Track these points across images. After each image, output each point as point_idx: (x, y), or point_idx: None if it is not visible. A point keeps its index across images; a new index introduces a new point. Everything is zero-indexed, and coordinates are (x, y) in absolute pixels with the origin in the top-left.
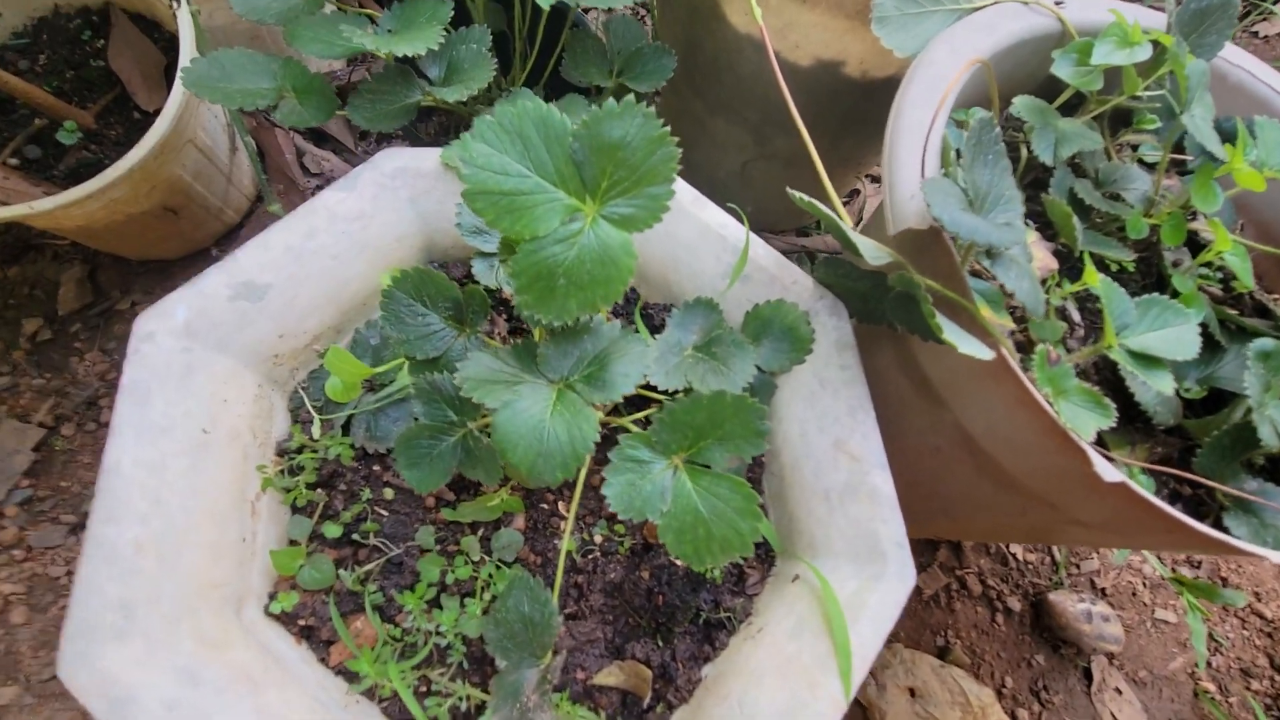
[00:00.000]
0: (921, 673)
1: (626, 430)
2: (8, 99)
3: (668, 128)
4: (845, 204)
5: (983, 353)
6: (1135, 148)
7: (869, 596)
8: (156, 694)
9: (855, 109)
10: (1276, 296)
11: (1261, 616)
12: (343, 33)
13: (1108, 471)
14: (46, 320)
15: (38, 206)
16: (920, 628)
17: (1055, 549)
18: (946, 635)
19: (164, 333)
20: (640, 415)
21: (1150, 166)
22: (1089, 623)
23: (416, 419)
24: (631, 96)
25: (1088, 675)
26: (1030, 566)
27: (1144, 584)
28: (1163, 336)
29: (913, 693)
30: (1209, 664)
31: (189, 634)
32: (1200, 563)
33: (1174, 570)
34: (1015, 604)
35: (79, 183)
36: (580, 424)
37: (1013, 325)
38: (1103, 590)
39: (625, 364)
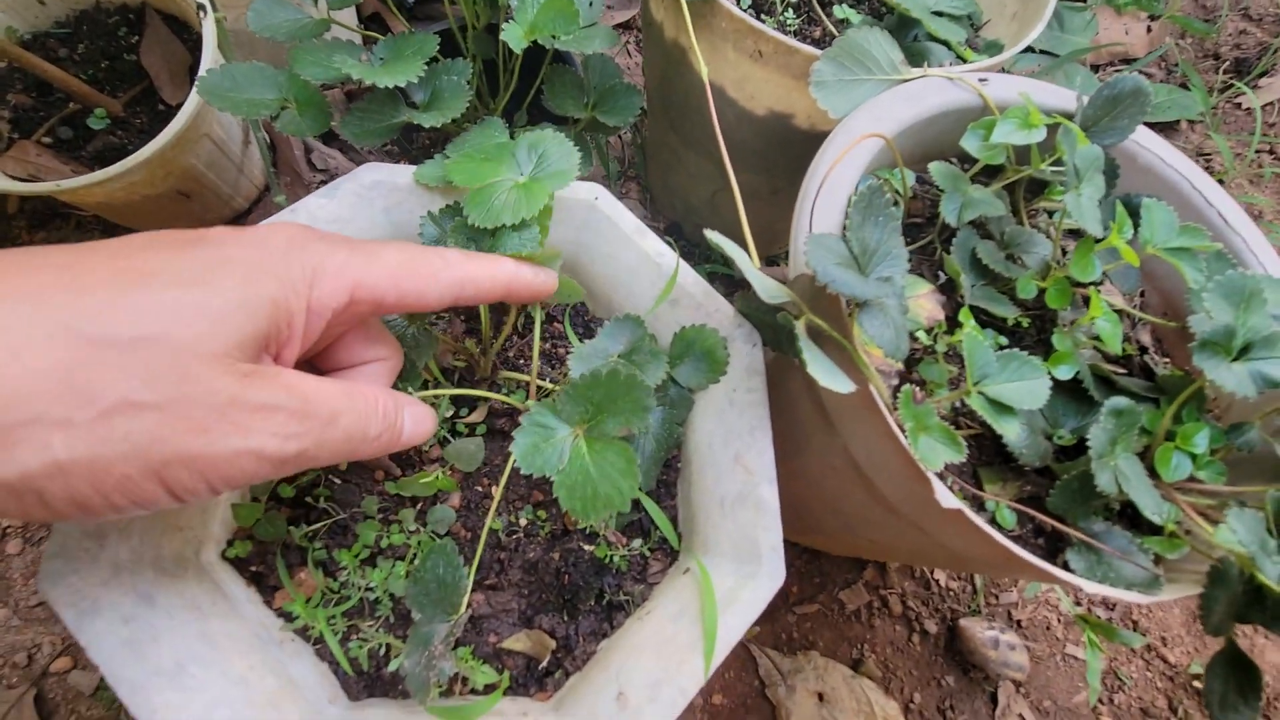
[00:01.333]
0: (832, 680)
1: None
2: (46, 84)
3: (578, 151)
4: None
5: (842, 386)
6: (1051, 213)
7: (742, 592)
8: (118, 610)
9: (807, 155)
10: (1167, 359)
11: (1165, 660)
12: (335, 61)
13: (946, 498)
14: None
15: (64, 185)
16: (838, 639)
17: (975, 578)
18: (862, 649)
19: None
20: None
21: (1066, 232)
22: (995, 649)
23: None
24: (553, 128)
25: (994, 700)
26: (951, 593)
27: (1059, 620)
28: (1016, 388)
29: (821, 698)
30: (1111, 700)
31: (151, 564)
32: (1115, 604)
33: (1088, 609)
34: (932, 626)
35: (104, 163)
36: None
37: (901, 366)
38: (1018, 622)
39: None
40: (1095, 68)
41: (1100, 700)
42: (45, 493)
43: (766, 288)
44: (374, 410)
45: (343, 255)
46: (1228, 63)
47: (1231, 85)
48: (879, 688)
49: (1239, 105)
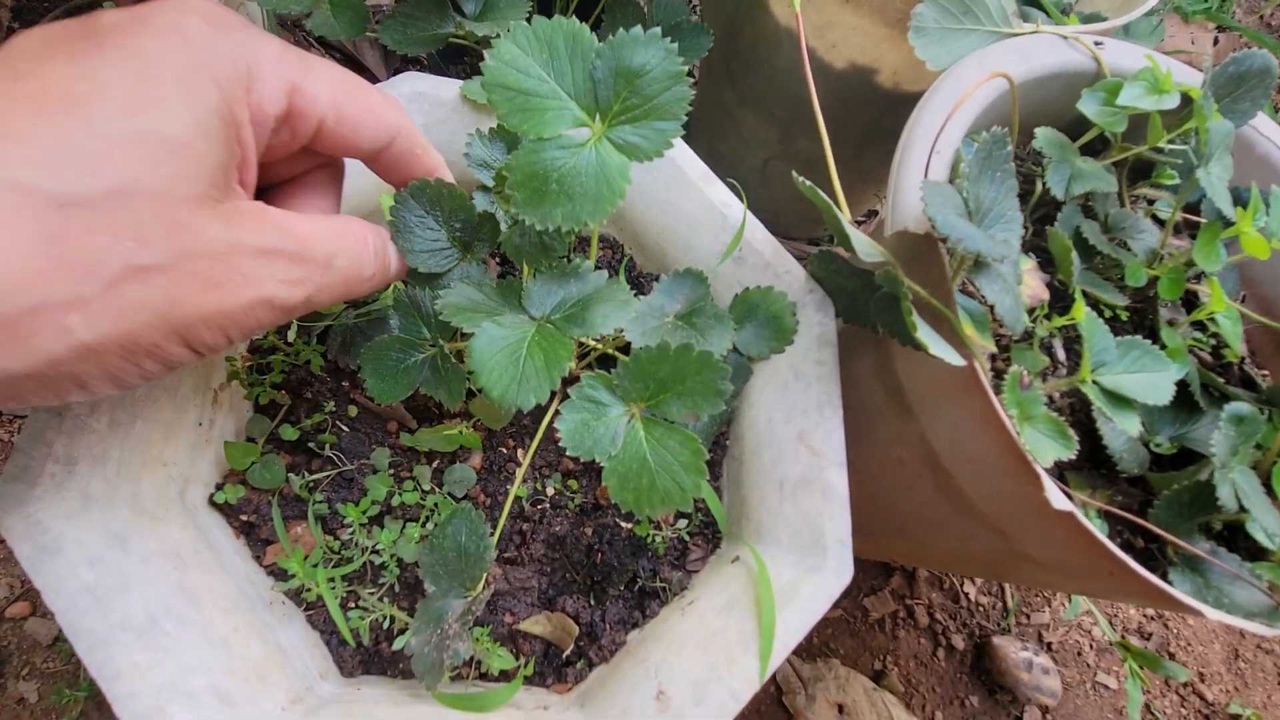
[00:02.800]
0: (853, 691)
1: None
2: None
3: (685, 65)
4: (861, 223)
5: (954, 358)
6: (1151, 202)
7: (803, 586)
8: (83, 550)
9: (882, 120)
10: (1265, 371)
11: (1202, 698)
12: None
13: (1057, 499)
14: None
15: None
16: (860, 648)
17: (1008, 594)
18: (885, 660)
19: None
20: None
21: (1161, 222)
22: (1028, 671)
23: (394, 327)
24: (657, 30)
25: None
26: (980, 608)
27: (1091, 645)
28: (1138, 379)
29: (841, 709)
30: None
31: (127, 501)
32: (1150, 635)
33: (1123, 636)
34: (959, 642)
35: None
36: (557, 350)
37: (994, 348)
38: (1049, 644)
39: (608, 308)
40: None
41: None
42: (81, 375)
43: (862, 244)
44: (365, 248)
45: (275, 49)
46: None
47: None
48: (900, 702)
49: None
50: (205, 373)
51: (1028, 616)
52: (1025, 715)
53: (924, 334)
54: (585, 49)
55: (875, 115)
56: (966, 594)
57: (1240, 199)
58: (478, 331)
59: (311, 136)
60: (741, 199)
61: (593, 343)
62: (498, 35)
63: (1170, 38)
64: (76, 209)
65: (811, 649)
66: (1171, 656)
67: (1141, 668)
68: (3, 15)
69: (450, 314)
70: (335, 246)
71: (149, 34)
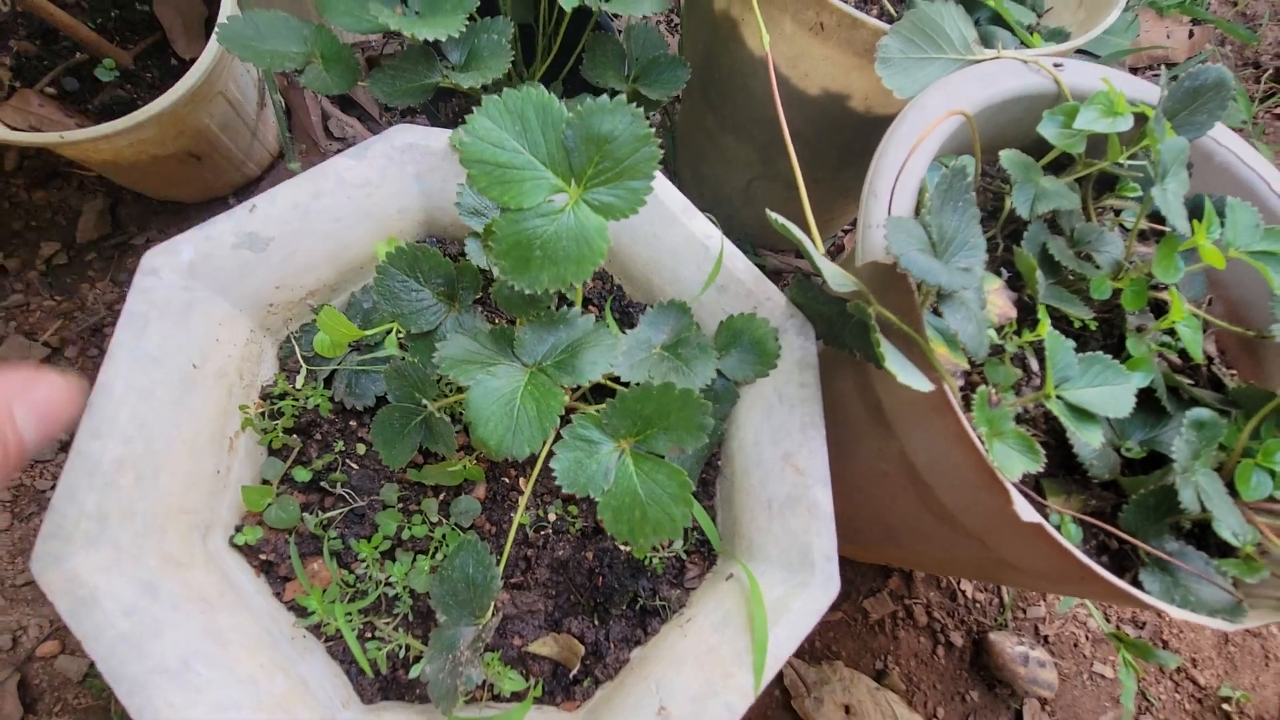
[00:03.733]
0: (858, 692)
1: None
2: (52, 30)
3: (652, 129)
4: (845, 233)
5: (921, 385)
6: (1117, 211)
7: (793, 602)
8: (117, 600)
9: (857, 141)
10: (1234, 371)
11: (1195, 682)
12: (370, 10)
13: (1025, 511)
14: (64, 245)
15: (69, 137)
16: (862, 650)
17: (1004, 591)
18: (886, 660)
19: (168, 269)
20: (602, 405)
21: (1128, 231)
22: (1025, 666)
23: (389, 400)
24: (622, 96)
25: (1018, 717)
26: (978, 605)
27: (1086, 637)
28: (1099, 393)
29: (847, 710)
30: None
31: (155, 551)
32: (1144, 624)
33: (1117, 627)
34: (958, 639)
35: (112, 118)
36: (549, 401)
37: (967, 365)
38: (1045, 637)
39: (595, 353)
40: (1134, 70)
41: None
42: None
43: (834, 276)
44: None
45: None
46: (1269, 71)
47: (1273, 94)
48: (903, 701)
49: (1279, 116)
50: (221, 423)
51: (1024, 611)
52: (1025, 707)
53: (893, 363)
54: (555, 119)
55: (850, 137)
56: (964, 592)
57: (1199, 209)
58: (473, 384)
59: None
60: (718, 227)
61: None
62: (482, 87)
63: (1145, 33)
64: None
65: (815, 652)
66: (1165, 644)
67: (1135, 657)
68: (3, 75)
69: (448, 367)
70: None
71: None
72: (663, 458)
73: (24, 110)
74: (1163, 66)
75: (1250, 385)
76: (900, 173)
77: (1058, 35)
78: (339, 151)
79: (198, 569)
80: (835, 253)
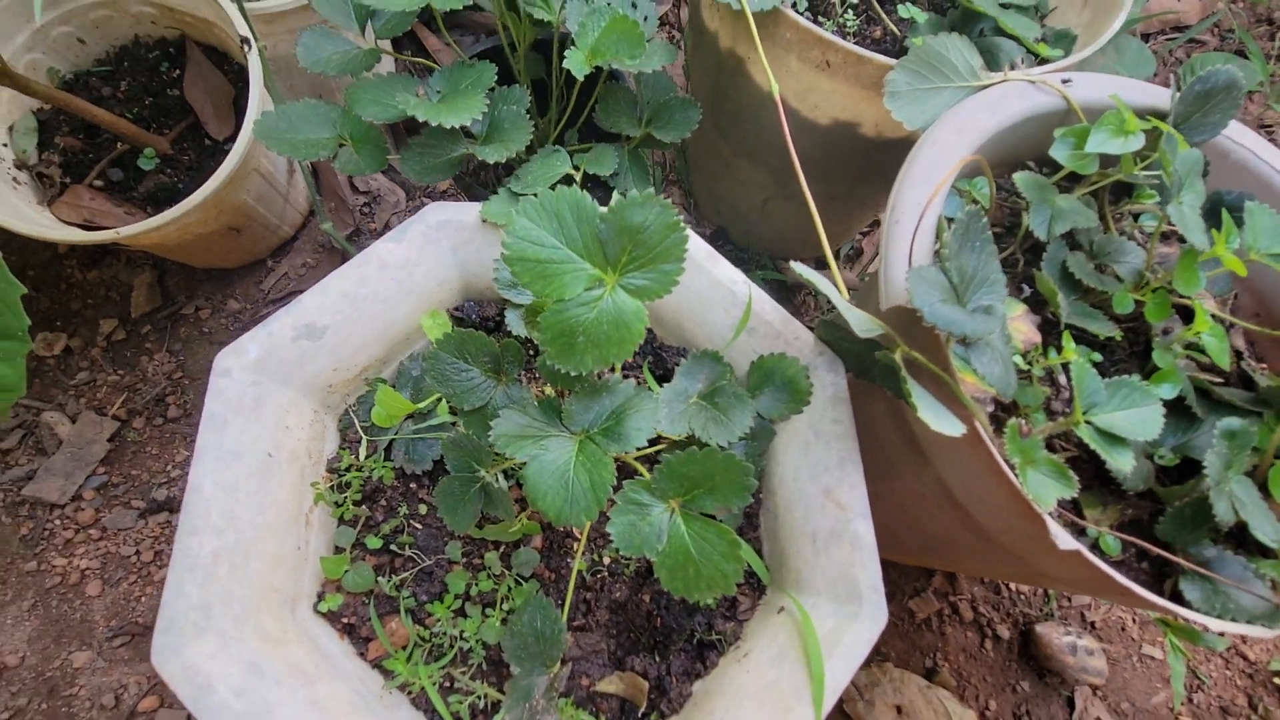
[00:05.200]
0: (909, 692)
1: (635, 468)
2: (94, 125)
3: (680, 217)
4: (865, 235)
5: (954, 429)
6: (1136, 216)
7: (844, 635)
8: (229, 683)
9: (871, 162)
10: (1264, 365)
11: (1245, 658)
12: (396, 100)
13: (1063, 540)
14: (121, 321)
15: (124, 233)
16: (911, 649)
17: None
18: (935, 658)
19: (238, 369)
20: (646, 451)
21: (1150, 237)
22: (1073, 655)
23: (447, 469)
24: (651, 190)
25: (1070, 704)
26: (1022, 597)
27: (1134, 620)
28: (1128, 416)
29: (899, 710)
30: (1190, 700)
31: (254, 631)
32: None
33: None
34: (1004, 632)
35: (156, 203)
36: (600, 472)
37: (995, 391)
38: (1092, 624)
39: (639, 419)
40: (1145, 37)
41: (1180, 701)
42: None
43: (860, 322)
44: None
45: None
46: None
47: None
48: (954, 696)
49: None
50: (298, 502)
51: (1069, 600)
52: (1076, 694)
53: (924, 410)
54: (589, 214)
55: (863, 160)
56: (1007, 585)
57: (1224, 205)
58: (529, 460)
59: None
60: (738, 244)
61: None
62: (505, 161)
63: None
64: None
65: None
66: None
67: (1181, 640)
68: (54, 173)
69: (504, 444)
70: None
71: None
72: (714, 516)
73: (76, 205)
74: (1175, 70)
75: (1276, 382)
76: (920, 221)
77: (1063, 39)
78: (366, 206)
79: (292, 643)
80: (854, 256)
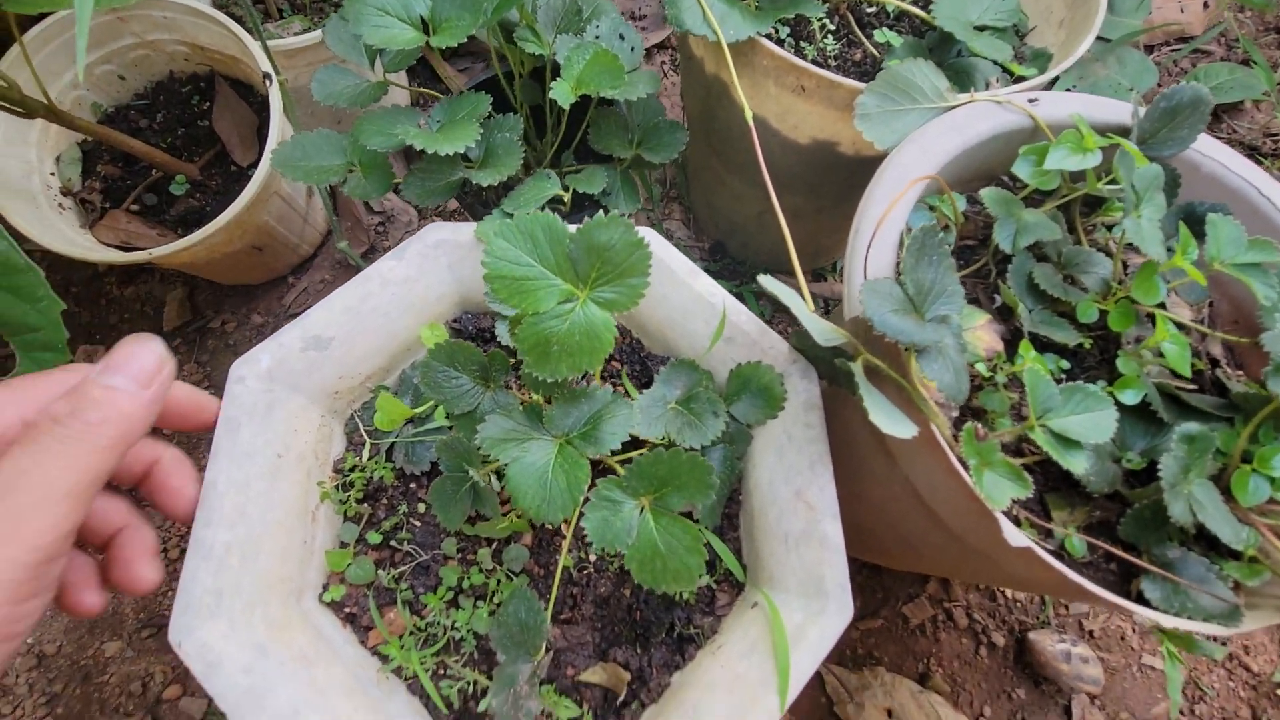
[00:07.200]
0: (900, 696)
1: (614, 470)
2: (131, 155)
3: (643, 236)
4: None
5: (905, 431)
6: (1109, 227)
7: (810, 629)
8: (236, 662)
9: (854, 178)
10: (1240, 372)
11: (1248, 669)
12: (396, 130)
13: (1015, 537)
14: (154, 334)
15: (156, 253)
16: (904, 654)
17: None
18: (928, 663)
19: (252, 376)
20: (628, 455)
21: (1125, 246)
22: (1067, 663)
23: (442, 469)
24: (616, 212)
25: (1068, 712)
26: (1018, 604)
27: (1133, 629)
28: (1081, 421)
29: (890, 714)
30: (1192, 711)
31: (261, 617)
32: None
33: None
34: (1000, 639)
35: (186, 225)
36: (576, 473)
37: (945, 397)
38: (1090, 632)
39: (614, 424)
40: (1149, 48)
41: (1181, 711)
42: None
43: (822, 331)
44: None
45: None
46: None
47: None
48: (948, 702)
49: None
50: (304, 500)
51: (1066, 608)
52: (1073, 703)
53: (876, 414)
54: (560, 234)
55: (846, 176)
56: (1003, 592)
57: (1194, 217)
58: (511, 462)
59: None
60: (736, 256)
61: None
62: (496, 185)
63: (1158, 9)
64: None
65: (857, 659)
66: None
67: (1179, 649)
68: (95, 199)
69: (489, 446)
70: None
71: None
72: (689, 514)
73: (115, 228)
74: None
75: (1250, 387)
76: (872, 238)
77: (1040, 58)
78: (380, 225)
79: (295, 629)
80: None
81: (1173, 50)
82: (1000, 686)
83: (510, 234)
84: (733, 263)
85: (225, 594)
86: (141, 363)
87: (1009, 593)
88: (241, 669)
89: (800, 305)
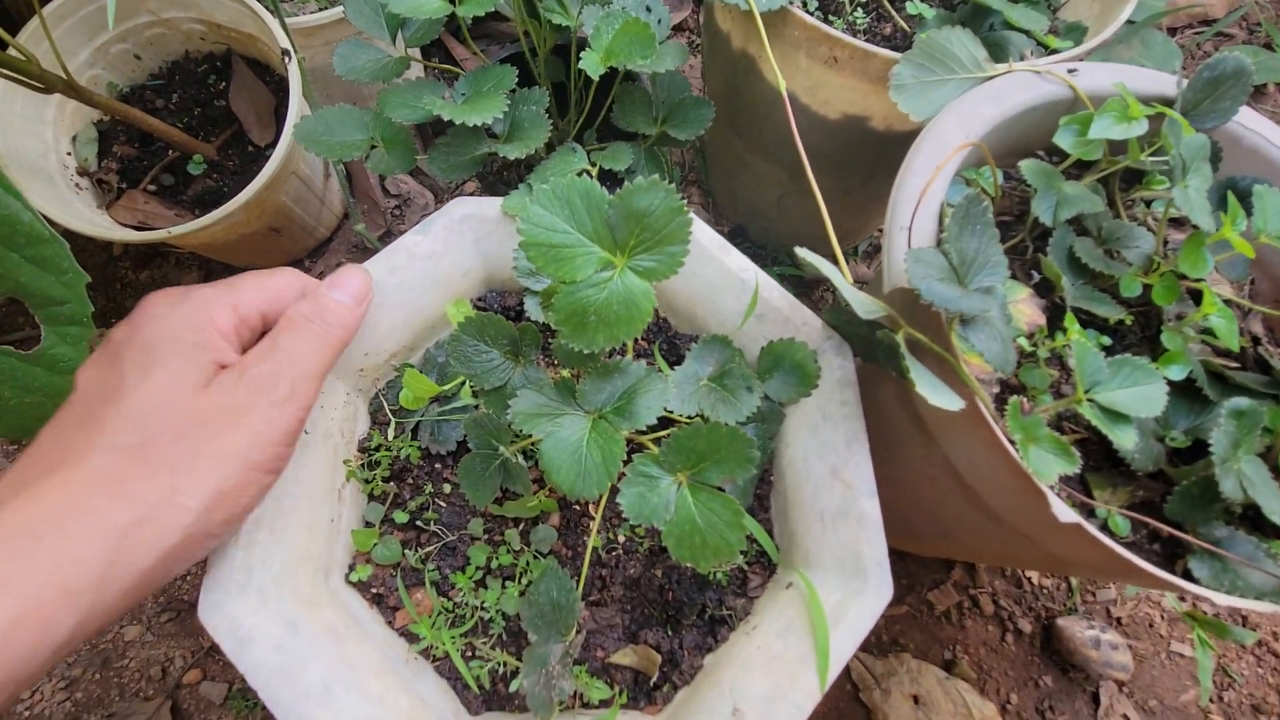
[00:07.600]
0: (926, 682)
1: (647, 447)
2: (148, 134)
3: (684, 200)
4: (882, 232)
5: (952, 404)
6: (1149, 203)
7: (849, 608)
8: (268, 637)
9: (882, 155)
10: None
11: (1277, 655)
12: (423, 101)
13: (1064, 513)
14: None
15: (174, 231)
16: (930, 641)
17: (1070, 576)
18: (955, 650)
19: None
20: (660, 434)
21: (1166, 222)
22: (1096, 649)
23: (470, 447)
24: (657, 175)
25: (1095, 700)
26: (1045, 591)
27: (1162, 616)
28: (1131, 394)
29: (916, 700)
30: (1221, 698)
31: (290, 593)
32: None
33: (1194, 605)
34: (1026, 625)
35: (204, 206)
36: (611, 448)
37: (993, 368)
38: (1118, 619)
39: (649, 399)
40: (1172, 31)
41: (1210, 698)
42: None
43: (862, 303)
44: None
45: (211, 293)
46: None
47: None
48: (974, 689)
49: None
50: (331, 478)
51: (1094, 594)
52: (1101, 690)
53: (922, 385)
54: (598, 200)
55: (875, 153)
56: (1029, 579)
57: (1236, 191)
58: (545, 437)
59: (261, 322)
60: (756, 239)
61: None
62: (525, 158)
63: None
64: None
65: (882, 645)
66: (1244, 619)
67: (1210, 635)
68: (112, 180)
69: (521, 422)
70: (270, 365)
71: (138, 327)
72: (721, 488)
73: (132, 209)
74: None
75: None
76: (917, 207)
77: (1075, 31)
78: (397, 208)
79: (325, 606)
80: (872, 253)
81: (1195, 33)
82: (1027, 674)
83: (547, 200)
84: (753, 247)
85: (255, 569)
86: (359, 284)
87: (1035, 579)
88: (273, 645)
89: (840, 278)
